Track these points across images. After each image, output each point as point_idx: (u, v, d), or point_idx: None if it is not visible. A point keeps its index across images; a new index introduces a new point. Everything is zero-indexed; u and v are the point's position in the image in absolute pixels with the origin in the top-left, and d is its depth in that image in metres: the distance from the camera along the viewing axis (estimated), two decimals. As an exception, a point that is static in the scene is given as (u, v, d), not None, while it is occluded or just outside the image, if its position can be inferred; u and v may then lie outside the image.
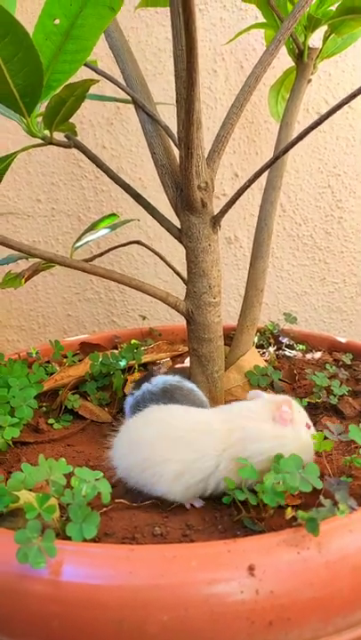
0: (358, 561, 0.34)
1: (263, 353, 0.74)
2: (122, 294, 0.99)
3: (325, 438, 0.44)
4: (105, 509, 0.39)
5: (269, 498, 0.37)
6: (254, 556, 0.32)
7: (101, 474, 0.37)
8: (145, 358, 0.70)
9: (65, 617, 0.31)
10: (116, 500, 0.40)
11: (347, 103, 0.45)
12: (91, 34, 0.46)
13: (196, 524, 0.39)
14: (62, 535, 0.35)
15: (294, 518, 0.35)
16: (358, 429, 0.43)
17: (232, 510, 0.40)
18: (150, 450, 0.41)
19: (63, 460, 0.38)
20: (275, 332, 0.79)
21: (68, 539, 0.34)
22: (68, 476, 0.38)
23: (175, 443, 0.41)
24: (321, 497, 0.37)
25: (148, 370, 0.65)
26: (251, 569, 0.32)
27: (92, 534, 0.33)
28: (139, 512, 0.40)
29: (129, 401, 0.56)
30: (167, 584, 0.31)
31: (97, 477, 0.36)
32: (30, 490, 0.38)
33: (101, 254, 0.70)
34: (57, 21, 0.44)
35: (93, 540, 0.35)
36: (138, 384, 0.57)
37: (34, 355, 0.70)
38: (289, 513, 0.36)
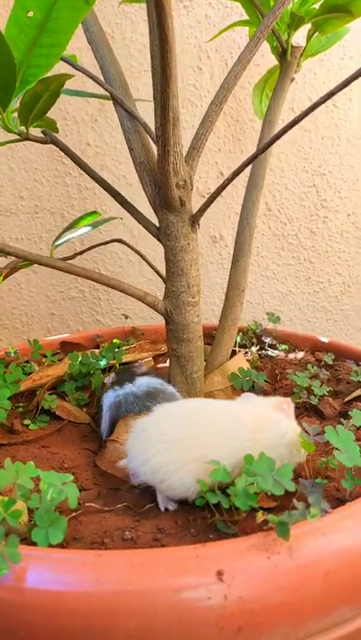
0: (330, 565, 0.34)
1: (246, 353, 0.74)
2: (106, 293, 0.98)
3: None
4: (75, 513, 0.38)
5: (241, 501, 0.36)
6: (223, 561, 0.32)
7: (71, 477, 0.36)
8: (126, 358, 0.69)
9: (30, 624, 0.31)
10: (87, 504, 0.40)
11: (326, 100, 0.44)
12: (66, 27, 0.45)
13: (168, 527, 0.38)
14: (29, 540, 0.34)
15: (266, 522, 0.34)
16: (334, 431, 0.43)
17: (205, 513, 0.40)
18: (184, 449, 0.40)
19: (31, 463, 0.37)
20: (257, 331, 0.79)
21: (35, 544, 0.33)
22: (39, 479, 0.37)
23: (210, 438, 0.41)
24: (294, 500, 0.36)
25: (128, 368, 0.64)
26: (219, 574, 0.31)
27: (58, 539, 0.33)
28: (110, 516, 0.39)
29: (110, 396, 0.55)
30: (134, 590, 0.30)
31: (65, 481, 0.35)
32: (0, 493, 0.37)
33: (82, 252, 0.69)
34: (31, 14, 0.43)
35: (60, 546, 0.34)
36: (118, 378, 0.56)
37: (12, 354, 0.69)
38: (260, 517, 0.35)
